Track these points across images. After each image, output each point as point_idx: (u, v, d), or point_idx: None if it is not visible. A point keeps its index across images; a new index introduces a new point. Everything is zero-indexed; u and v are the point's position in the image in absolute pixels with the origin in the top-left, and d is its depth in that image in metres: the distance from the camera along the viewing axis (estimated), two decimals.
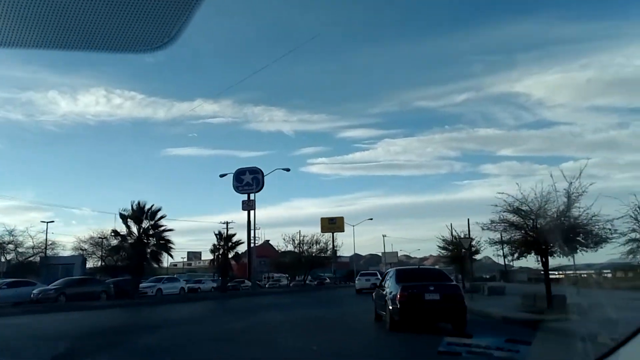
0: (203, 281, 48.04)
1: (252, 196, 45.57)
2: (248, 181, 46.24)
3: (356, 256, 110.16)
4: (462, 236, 33.20)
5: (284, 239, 57.77)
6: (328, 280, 74.67)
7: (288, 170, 51.04)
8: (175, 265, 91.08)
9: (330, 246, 60.83)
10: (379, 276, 33.18)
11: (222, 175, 47.43)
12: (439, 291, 11.57)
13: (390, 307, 11.73)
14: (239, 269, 55.87)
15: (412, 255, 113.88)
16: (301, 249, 55.89)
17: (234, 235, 45.58)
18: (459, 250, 33.27)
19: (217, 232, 45.54)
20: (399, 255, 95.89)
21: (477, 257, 40.14)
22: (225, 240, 44.30)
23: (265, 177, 46.15)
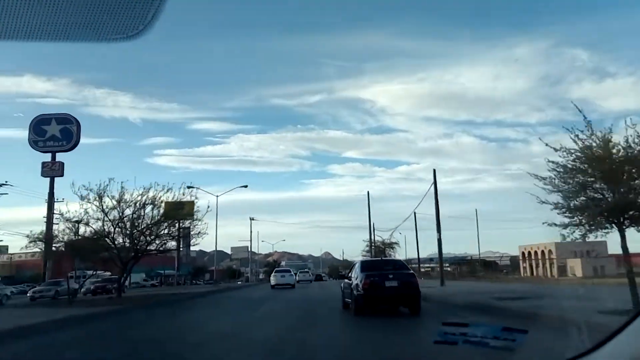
0: None
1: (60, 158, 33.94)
2: (54, 134, 34.43)
3: (201, 252, 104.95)
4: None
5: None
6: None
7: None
8: None
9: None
10: (292, 272, 41.54)
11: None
12: (397, 279, 13.24)
13: (356, 294, 13.25)
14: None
15: (257, 252, 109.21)
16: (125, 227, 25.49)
17: None
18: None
19: None
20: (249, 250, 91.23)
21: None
22: None
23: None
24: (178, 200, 26.40)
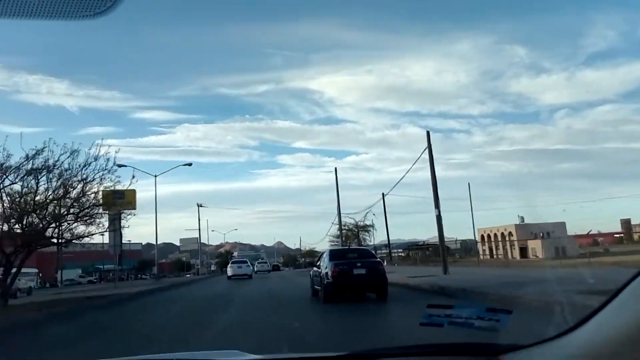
0: None
1: None
2: None
3: (148, 245, 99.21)
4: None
5: None
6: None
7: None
8: None
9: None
10: (249, 263, 41.07)
11: None
12: (365, 267, 13.68)
13: (325, 282, 13.58)
14: None
15: (208, 243, 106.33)
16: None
17: None
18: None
19: None
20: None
21: None
22: None
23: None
24: (113, 188, 20.04)
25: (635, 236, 72.55)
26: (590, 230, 78.89)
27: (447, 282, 16.34)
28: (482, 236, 70.34)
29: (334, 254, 14.68)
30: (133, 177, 21.30)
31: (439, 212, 24.55)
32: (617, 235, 79.97)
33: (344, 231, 49.09)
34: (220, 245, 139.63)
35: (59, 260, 50.67)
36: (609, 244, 67.59)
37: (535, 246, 55.17)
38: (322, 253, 16.57)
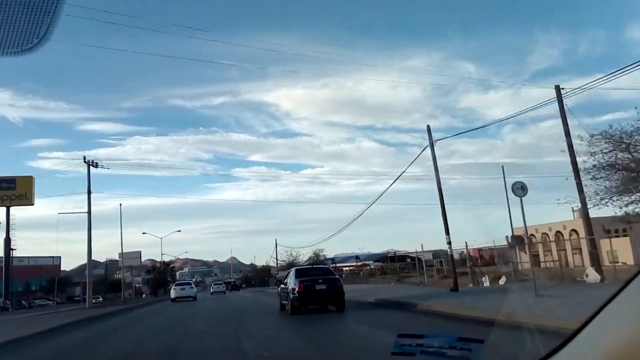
0: None
1: None
2: None
3: (95, 262, 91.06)
4: None
5: None
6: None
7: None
8: None
9: None
10: (192, 285, 41.05)
11: None
12: (325, 283, 16.20)
13: (291, 297, 15.99)
14: None
15: (157, 260, 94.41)
16: None
17: None
18: None
19: None
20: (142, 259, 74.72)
21: None
22: None
23: None
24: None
25: None
26: None
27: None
28: (519, 237, 47.20)
29: (299, 272, 17.15)
30: None
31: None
32: None
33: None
34: (171, 262, 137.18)
35: None
36: None
37: (620, 247, 34.91)
38: (289, 271, 19.01)
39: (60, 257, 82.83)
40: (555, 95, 20.71)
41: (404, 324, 11.70)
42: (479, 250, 52.71)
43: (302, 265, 35.54)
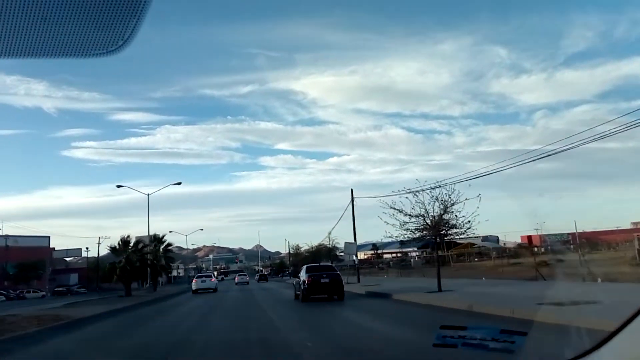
0: None
1: None
2: None
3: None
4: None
5: None
6: None
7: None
8: None
9: None
10: (213, 277, 44.24)
11: None
12: (328, 277, 20.89)
13: (302, 288, 20.81)
14: None
15: (185, 247, 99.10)
16: None
17: None
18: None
19: None
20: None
21: None
22: None
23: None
24: None
25: None
26: None
27: None
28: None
29: (308, 269, 21.89)
30: None
31: None
32: None
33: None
34: (198, 249, 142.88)
35: None
36: None
37: None
38: (302, 268, 23.77)
39: (49, 237, 68.62)
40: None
41: None
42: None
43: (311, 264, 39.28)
